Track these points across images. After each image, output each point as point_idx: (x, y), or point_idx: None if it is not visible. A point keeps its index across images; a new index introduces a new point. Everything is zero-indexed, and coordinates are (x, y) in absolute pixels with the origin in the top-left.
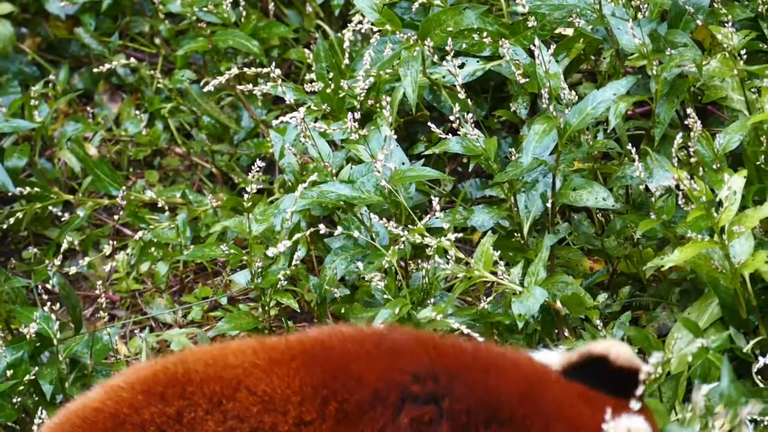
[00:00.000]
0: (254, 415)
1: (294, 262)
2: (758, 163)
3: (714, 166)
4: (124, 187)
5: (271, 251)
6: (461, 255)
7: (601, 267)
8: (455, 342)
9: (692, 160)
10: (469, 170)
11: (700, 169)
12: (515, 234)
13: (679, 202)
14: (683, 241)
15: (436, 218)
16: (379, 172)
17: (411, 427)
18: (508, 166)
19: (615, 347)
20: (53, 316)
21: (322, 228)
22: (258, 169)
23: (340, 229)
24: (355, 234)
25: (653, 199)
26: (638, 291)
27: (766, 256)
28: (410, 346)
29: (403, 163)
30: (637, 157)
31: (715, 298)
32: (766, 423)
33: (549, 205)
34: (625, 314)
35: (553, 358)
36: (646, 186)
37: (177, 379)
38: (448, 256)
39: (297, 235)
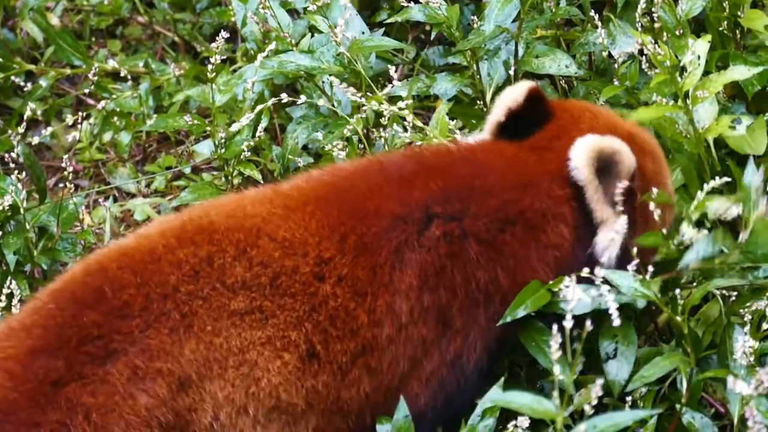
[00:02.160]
0: (276, 260)
1: (257, 133)
2: (721, 29)
3: (677, 32)
4: (97, 65)
5: (234, 126)
6: (418, 122)
7: None
8: (450, 155)
9: (656, 26)
10: (431, 38)
11: (664, 35)
12: (478, 101)
13: (643, 68)
14: (647, 108)
15: (393, 87)
16: (337, 42)
17: (444, 240)
18: (470, 33)
19: (515, 90)
20: (20, 186)
21: (285, 97)
22: (221, 38)
23: (303, 98)
24: (319, 102)
25: (616, 66)
26: None
27: (730, 120)
28: (416, 171)
29: (363, 33)
30: (600, 23)
31: (678, 165)
32: None
33: (512, 72)
34: None
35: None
36: (609, 52)
37: (204, 227)
38: (406, 123)
39: (260, 107)
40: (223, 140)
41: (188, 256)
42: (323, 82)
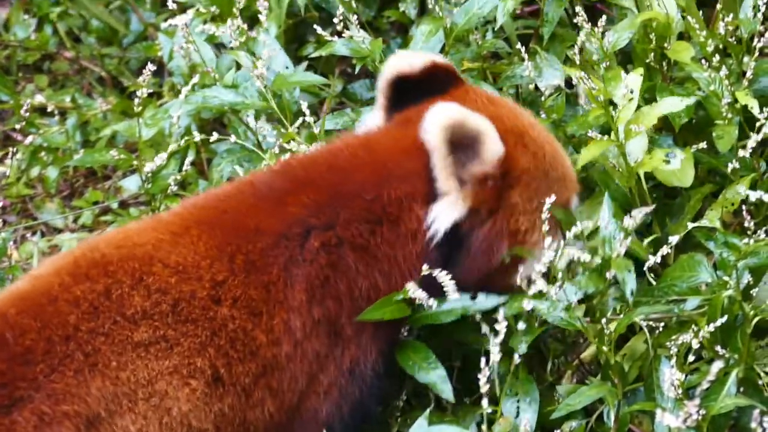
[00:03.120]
0: (174, 286)
1: (184, 167)
2: (648, 60)
3: (603, 65)
4: (28, 101)
5: (158, 159)
6: None
7: None
8: (316, 165)
9: (595, 57)
10: (357, 71)
11: (595, 68)
12: None
13: (571, 101)
14: (573, 140)
15: (306, 120)
16: (258, 78)
17: (323, 250)
18: None
19: (401, 59)
20: None
21: (214, 136)
22: (148, 72)
23: (233, 138)
24: (243, 139)
25: (543, 98)
26: None
27: (664, 155)
28: (287, 187)
29: (287, 67)
30: (526, 56)
31: (607, 197)
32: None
33: None
34: None
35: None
36: (536, 85)
37: (97, 261)
38: None
39: (184, 140)
40: (150, 175)
41: (85, 292)
42: (247, 116)
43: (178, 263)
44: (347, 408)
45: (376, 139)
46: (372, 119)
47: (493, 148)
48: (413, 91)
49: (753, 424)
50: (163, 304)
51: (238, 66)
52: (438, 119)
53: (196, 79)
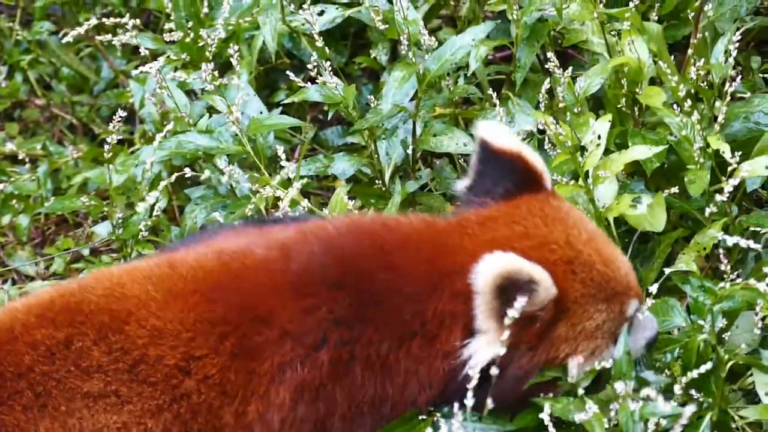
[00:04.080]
0: (139, 348)
1: (155, 213)
2: (619, 106)
3: (575, 110)
4: None
5: (140, 207)
6: (313, 207)
7: None
8: (362, 247)
9: (561, 105)
10: (329, 118)
11: (565, 113)
12: (377, 181)
13: (546, 146)
14: None
15: (287, 167)
16: (234, 123)
17: (330, 364)
18: (368, 113)
19: (493, 129)
20: None
21: (188, 172)
22: (118, 119)
23: (207, 173)
24: (220, 182)
25: None
26: None
27: (632, 200)
28: (325, 274)
29: (261, 112)
30: (498, 102)
31: None
32: None
33: (410, 151)
34: None
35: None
36: None
37: (69, 307)
38: (302, 206)
39: (162, 183)
40: (121, 220)
41: (45, 337)
42: (221, 162)
43: (156, 327)
44: None
45: (442, 237)
46: (463, 182)
47: (544, 294)
48: (495, 162)
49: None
50: (122, 362)
51: (211, 112)
52: (489, 270)
53: (170, 126)
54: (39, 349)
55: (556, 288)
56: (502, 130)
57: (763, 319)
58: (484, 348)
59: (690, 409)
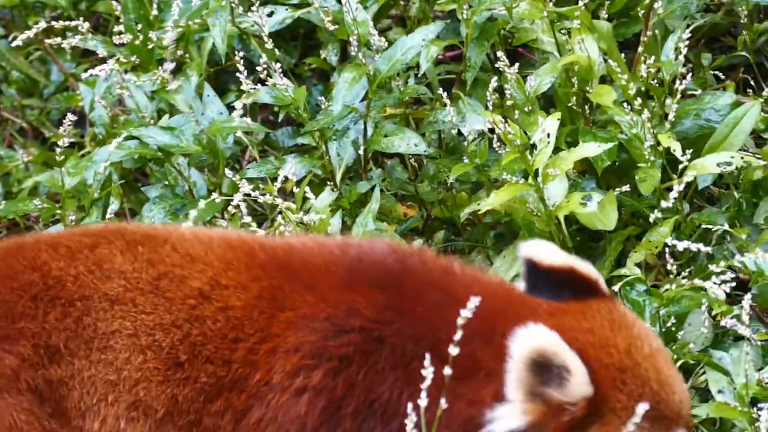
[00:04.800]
0: (166, 264)
1: (108, 216)
2: (570, 104)
3: (526, 109)
4: None
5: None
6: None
7: (416, 212)
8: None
9: (508, 103)
10: (280, 119)
11: (515, 112)
12: (328, 182)
13: (494, 146)
14: (497, 185)
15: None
16: (197, 122)
17: (356, 348)
18: (319, 114)
19: (539, 248)
20: None
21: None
22: (69, 123)
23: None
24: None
25: (466, 143)
26: (453, 235)
27: (581, 198)
28: (372, 275)
29: (221, 113)
30: (448, 101)
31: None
32: None
33: (361, 152)
34: None
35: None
36: (459, 130)
37: (104, 228)
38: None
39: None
40: (72, 223)
41: (69, 240)
42: (179, 164)
43: (189, 254)
44: None
45: (513, 301)
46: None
47: (577, 388)
48: (548, 278)
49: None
50: (145, 273)
51: (170, 113)
52: (527, 339)
53: (126, 132)
54: (60, 249)
55: (592, 388)
56: (546, 247)
57: (714, 317)
58: (506, 417)
59: (643, 407)
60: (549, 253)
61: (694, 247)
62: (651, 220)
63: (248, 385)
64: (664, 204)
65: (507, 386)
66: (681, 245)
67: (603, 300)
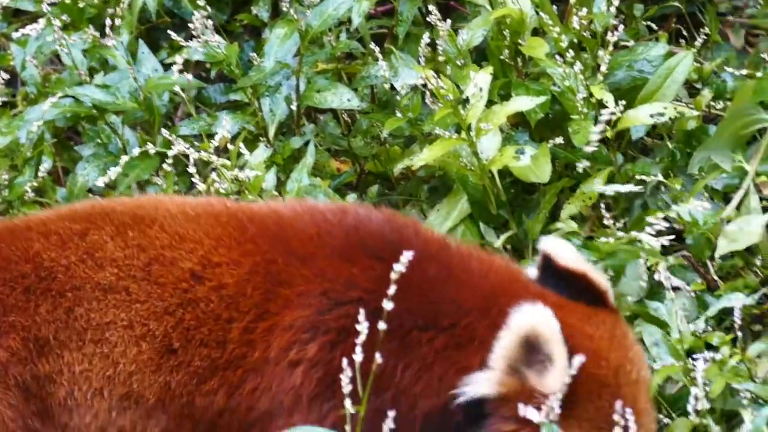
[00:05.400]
0: (156, 248)
1: (40, 174)
2: (502, 57)
3: (459, 63)
4: None
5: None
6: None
7: (349, 167)
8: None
9: (441, 57)
10: (212, 76)
11: (447, 66)
12: (261, 138)
13: (427, 101)
14: (430, 139)
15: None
16: (135, 79)
17: (352, 320)
18: (251, 70)
19: (559, 246)
20: None
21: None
22: (0, 82)
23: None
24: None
25: (399, 98)
26: (387, 190)
27: (514, 151)
28: (369, 245)
29: (156, 70)
30: (381, 56)
31: (464, 195)
32: None
33: (294, 107)
34: None
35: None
36: (392, 85)
37: (93, 209)
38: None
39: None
40: (5, 182)
41: (60, 228)
42: (112, 122)
43: (178, 233)
44: None
45: (519, 284)
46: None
47: (556, 382)
48: (560, 277)
49: (615, 417)
50: (136, 259)
51: (102, 71)
52: (529, 315)
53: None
54: (51, 238)
55: (569, 386)
56: (566, 247)
57: (649, 268)
58: (481, 382)
59: (579, 359)
60: (567, 254)
61: (625, 189)
62: (579, 170)
63: (245, 362)
64: (588, 149)
65: (493, 354)
66: (611, 189)
67: (609, 313)
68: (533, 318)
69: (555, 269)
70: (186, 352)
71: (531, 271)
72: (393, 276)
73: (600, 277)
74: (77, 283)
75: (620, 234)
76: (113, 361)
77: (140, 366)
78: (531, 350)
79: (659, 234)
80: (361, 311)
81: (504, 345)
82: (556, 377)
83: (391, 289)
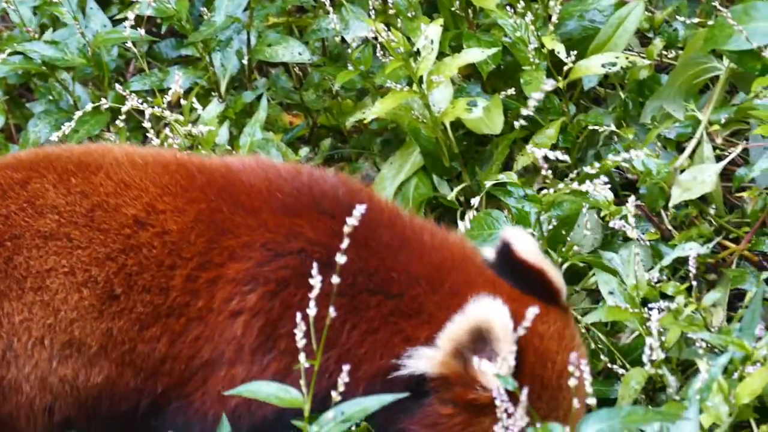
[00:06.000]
0: (100, 195)
1: None
2: (453, 9)
3: (409, 14)
4: None
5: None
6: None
7: (301, 121)
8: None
9: (391, 10)
10: (163, 31)
11: (398, 18)
12: (213, 93)
13: (378, 54)
14: (382, 92)
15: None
16: (83, 34)
17: (294, 271)
18: (201, 25)
19: (520, 238)
20: None
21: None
22: None
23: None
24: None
25: (350, 51)
26: (340, 143)
27: (466, 103)
28: (321, 202)
29: (105, 26)
30: (331, 9)
31: (417, 147)
32: None
33: (245, 62)
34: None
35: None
36: (343, 38)
37: (36, 156)
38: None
39: None
40: None
41: (2, 178)
42: (63, 78)
43: (123, 181)
44: (258, 418)
45: (475, 268)
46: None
47: (493, 383)
48: (516, 267)
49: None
50: (79, 206)
51: (53, 28)
52: (486, 308)
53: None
54: None
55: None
56: (527, 239)
57: (602, 218)
58: (423, 358)
59: (533, 311)
60: (527, 246)
61: (552, 155)
62: (523, 114)
63: (189, 311)
64: (535, 96)
65: (442, 334)
66: (551, 154)
67: (561, 311)
68: (489, 312)
69: (512, 259)
70: (128, 298)
71: (488, 252)
72: (346, 230)
73: (556, 275)
74: (17, 232)
75: (573, 185)
76: (54, 308)
77: (82, 313)
78: (480, 341)
79: (605, 184)
80: (314, 264)
81: (455, 328)
82: (501, 373)
83: (345, 243)
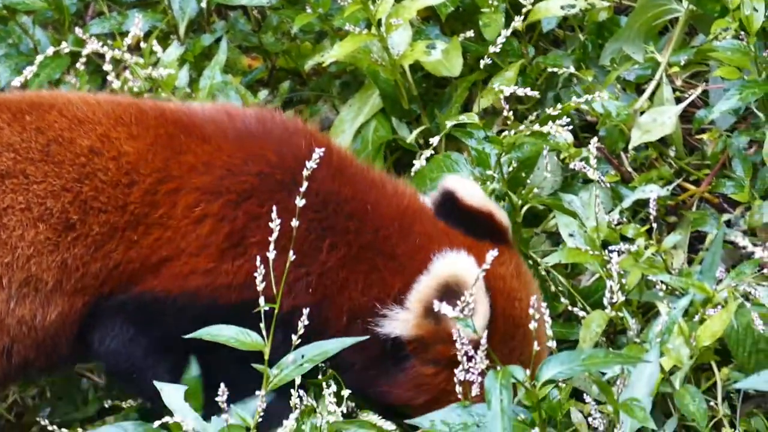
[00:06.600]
0: (55, 130)
1: None
2: None
3: None
4: None
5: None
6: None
7: (260, 64)
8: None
9: None
10: None
11: None
12: (172, 36)
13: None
14: (341, 34)
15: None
16: None
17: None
18: None
19: (463, 185)
20: None
21: None
22: None
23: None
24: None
25: None
26: (299, 86)
27: (425, 45)
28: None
29: None
30: None
31: (376, 90)
32: None
33: (204, 4)
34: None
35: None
36: None
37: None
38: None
39: None
40: None
41: None
42: (23, 22)
43: (77, 117)
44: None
45: (433, 225)
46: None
47: (477, 327)
48: (462, 214)
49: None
50: (34, 142)
51: None
52: (453, 264)
53: None
54: None
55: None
56: (470, 185)
57: (562, 160)
58: (397, 322)
59: (493, 254)
60: (471, 191)
61: (521, 92)
62: (482, 65)
63: (148, 219)
64: (498, 39)
65: (411, 295)
66: (508, 90)
67: (509, 249)
68: (456, 266)
69: (457, 206)
70: (84, 223)
71: (426, 200)
72: (304, 173)
73: (502, 214)
74: None
75: (534, 127)
76: (12, 246)
77: (38, 248)
78: (449, 296)
79: (567, 125)
80: (275, 183)
81: (423, 289)
82: (477, 322)
83: (316, 154)
